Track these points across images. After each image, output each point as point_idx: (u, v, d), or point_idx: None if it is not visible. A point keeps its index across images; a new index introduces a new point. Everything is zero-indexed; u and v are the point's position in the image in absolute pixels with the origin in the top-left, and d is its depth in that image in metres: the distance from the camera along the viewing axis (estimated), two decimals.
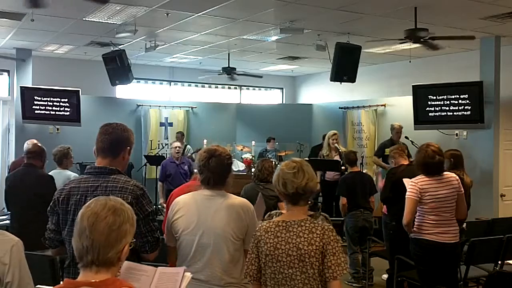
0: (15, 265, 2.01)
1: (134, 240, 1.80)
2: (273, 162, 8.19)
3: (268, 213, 3.50)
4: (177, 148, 7.92)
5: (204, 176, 2.76)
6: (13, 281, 2.00)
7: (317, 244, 2.35)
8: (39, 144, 5.02)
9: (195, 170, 2.99)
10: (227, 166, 2.80)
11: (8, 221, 5.75)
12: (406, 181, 4.49)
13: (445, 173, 4.22)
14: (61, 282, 1.87)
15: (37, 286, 1.89)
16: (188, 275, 2.16)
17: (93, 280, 1.65)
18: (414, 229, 4.19)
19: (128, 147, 2.63)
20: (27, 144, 6.01)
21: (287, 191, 2.44)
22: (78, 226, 1.71)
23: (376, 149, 8.98)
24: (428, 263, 4.16)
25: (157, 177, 8.54)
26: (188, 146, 9.80)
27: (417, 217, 4.18)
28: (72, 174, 5.29)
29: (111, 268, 1.69)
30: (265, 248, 2.42)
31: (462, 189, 4.21)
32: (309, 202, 2.59)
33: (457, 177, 4.25)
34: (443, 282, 4.17)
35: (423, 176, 4.17)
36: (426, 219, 4.13)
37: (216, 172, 2.74)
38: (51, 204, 2.57)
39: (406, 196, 4.15)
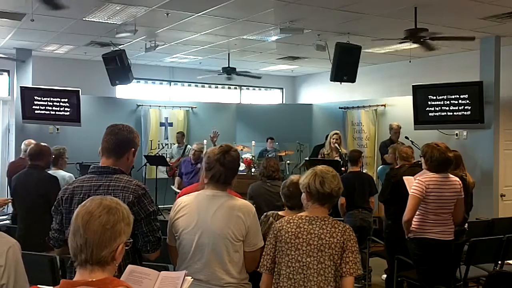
0: (10, 267, 1.98)
1: (131, 240, 1.78)
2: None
3: (265, 213, 3.48)
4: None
5: (215, 171, 2.72)
6: (8, 283, 1.97)
7: (338, 237, 2.45)
8: (43, 144, 4.96)
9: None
10: (238, 165, 2.86)
11: (8, 221, 5.78)
12: (406, 179, 4.48)
13: (450, 175, 4.22)
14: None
15: (37, 286, 1.87)
16: (189, 279, 2.16)
17: (90, 280, 1.64)
18: (413, 228, 4.19)
19: (133, 149, 2.66)
20: (25, 145, 5.99)
21: (324, 189, 2.51)
22: (73, 224, 1.71)
23: (378, 149, 8.97)
24: (429, 261, 4.17)
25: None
26: (188, 146, 9.80)
27: (417, 216, 4.17)
28: (67, 174, 5.30)
29: (106, 267, 1.68)
30: (285, 236, 2.49)
31: (463, 194, 4.23)
32: (329, 211, 2.65)
33: (460, 182, 4.25)
34: (443, 281, 4.19)
35: (430, 175, 4.16)
36: (427, 219, 4.14)
37: (230, 167, 2.73)
38: (55, 203, 2.60)
39: (410, 193, 4.14)
